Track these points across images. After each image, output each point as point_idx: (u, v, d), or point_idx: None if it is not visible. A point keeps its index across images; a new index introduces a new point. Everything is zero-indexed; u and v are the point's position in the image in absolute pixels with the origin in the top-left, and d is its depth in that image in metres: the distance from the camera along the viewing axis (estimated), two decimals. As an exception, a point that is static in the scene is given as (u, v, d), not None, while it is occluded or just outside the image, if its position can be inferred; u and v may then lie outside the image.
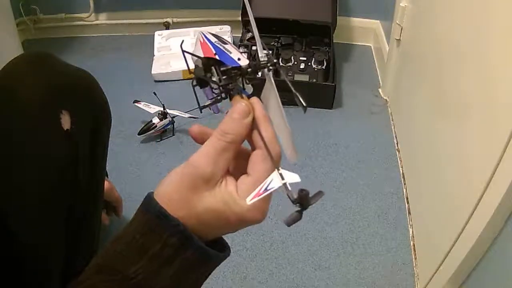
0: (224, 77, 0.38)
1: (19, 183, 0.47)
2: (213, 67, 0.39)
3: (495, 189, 0.64)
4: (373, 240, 1.05)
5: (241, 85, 0.40)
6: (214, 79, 0.39)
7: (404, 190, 1.17)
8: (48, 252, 0.52)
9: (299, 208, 0.34)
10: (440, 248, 0.83)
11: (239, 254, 1.01)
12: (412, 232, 1.06)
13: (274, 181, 0.34)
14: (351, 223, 1.09)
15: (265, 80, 0.39)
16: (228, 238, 0.43)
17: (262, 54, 0.39)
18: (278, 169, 0.35)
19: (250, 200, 0.33)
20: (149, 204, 0.38)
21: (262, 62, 0.39)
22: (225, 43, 0.40)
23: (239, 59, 0.39)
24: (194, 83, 0.41)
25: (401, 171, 1.23)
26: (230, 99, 0.39)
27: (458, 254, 0.75)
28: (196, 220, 0.37)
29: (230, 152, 0.37)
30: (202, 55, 0.40)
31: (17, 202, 0.47)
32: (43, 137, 0.48)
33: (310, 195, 0.34)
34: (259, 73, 0.40)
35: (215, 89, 0.40)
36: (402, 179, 1.21)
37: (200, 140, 0.39)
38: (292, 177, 0.34)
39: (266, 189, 0.34)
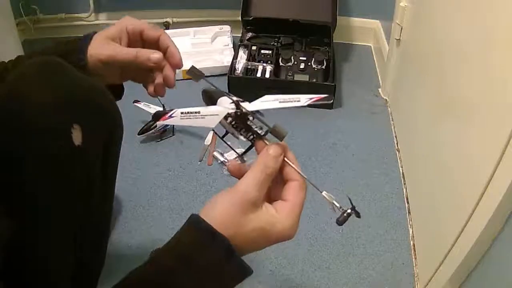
0: (243, 129, 0.48)
1: (30, 199, 0.47)
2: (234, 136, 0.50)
3: (495, 189, 0.64)
4: (373, 240, 1.05)
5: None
6: (241, 137, 0.49)
7: (404, 190, 1.17)
8: (58, 265, 0.52)
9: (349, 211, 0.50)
10: (440, 248, 0.83)
11: (239, 254, 1.01)
12: (412, 232, 1.06)
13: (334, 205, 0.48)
14: (351, 223, 1.08)
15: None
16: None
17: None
18: (322, 192, 0.47)
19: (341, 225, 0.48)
20: (198, 223, 0.43)
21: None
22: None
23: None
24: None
25: (401, 171, 1.23)
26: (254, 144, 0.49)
27: (458, 254, 0.75)
28: (243, 238, 0.43)
29: (269, 182, 0.45)
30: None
31: (29, 217, 0.47)
32: (53, 152, 0.47)
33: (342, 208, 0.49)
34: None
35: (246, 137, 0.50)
36: (402, 179, 1.21)
37: (237, 174, 0.47)
38: (331, 195, 0.48)
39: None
